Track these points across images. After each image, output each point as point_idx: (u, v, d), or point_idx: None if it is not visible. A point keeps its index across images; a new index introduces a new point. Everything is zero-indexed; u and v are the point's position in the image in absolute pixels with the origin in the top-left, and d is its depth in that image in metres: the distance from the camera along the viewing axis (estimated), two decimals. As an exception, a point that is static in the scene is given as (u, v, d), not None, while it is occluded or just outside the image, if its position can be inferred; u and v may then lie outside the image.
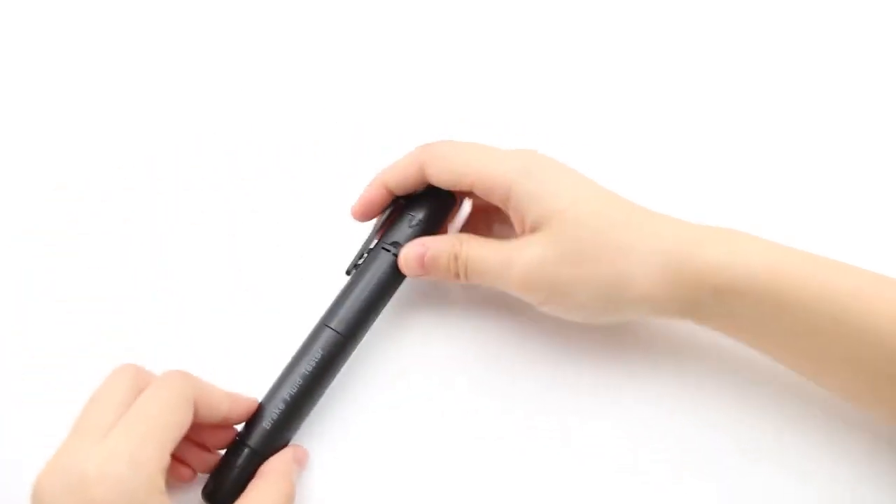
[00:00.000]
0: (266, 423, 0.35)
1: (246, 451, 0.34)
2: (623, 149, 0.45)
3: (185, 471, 0.35)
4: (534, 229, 0.35)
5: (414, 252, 0.36)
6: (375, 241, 0.38)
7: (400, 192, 0.37)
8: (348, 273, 0.38)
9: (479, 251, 0.36)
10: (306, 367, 0.36)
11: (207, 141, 0.45)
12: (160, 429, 0.30)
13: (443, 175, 0.36)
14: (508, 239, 0.36)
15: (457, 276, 0.37)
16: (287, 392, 0.35)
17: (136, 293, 0.41)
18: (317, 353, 0.36)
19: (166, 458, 0.30)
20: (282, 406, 0.35)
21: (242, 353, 0.40)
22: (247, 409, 0.35)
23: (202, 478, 0.36)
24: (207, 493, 0.35)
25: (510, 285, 0.35)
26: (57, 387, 0.39)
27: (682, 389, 0.38)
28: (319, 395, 0.36)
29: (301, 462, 0.36)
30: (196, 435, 0.34)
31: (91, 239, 0.43)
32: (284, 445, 0.36)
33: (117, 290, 0.42)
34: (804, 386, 0.36)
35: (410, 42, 0.48)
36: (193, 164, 0.45)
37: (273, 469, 0.34)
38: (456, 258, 0.36)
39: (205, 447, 0.35)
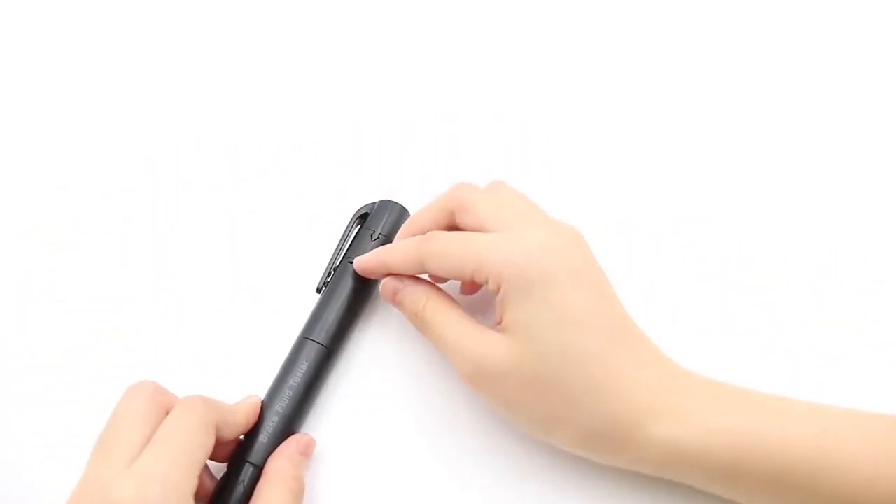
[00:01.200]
0: (263, 437, 0.35)
1: (248, 467, 0.35)
2: (618, 149, 0.45)
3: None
4: (504, 329, 0.33)
5: (390, 286, 0.37)
6: (340, 258, 0.40)
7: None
8: (318, 291, 0.39)
9: (442, 316, 0.35)
10: (294, 379, 0.37)
11: (207, 141, 0.45)
12: (189, 452, 0.30)
13: (443, 272, 0.35)
14: (476, 317, 0.35)
15: (416, 318, 0.36)
16: (279, 405, 0.36)
17: (136, 293, 0.41)
18: (302, 364, 0.37)
19: (195, 481, 0.30)
20: (276, 419, 0.36)
21: (242, 353, 0.40)
22: (256, 418, 0.36)
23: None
24: None
25: (456, 368, 0.35)
26: (57, 387, 0.39)
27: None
28: (310, 404, 0.37)
29: (306, 451, 0.36)
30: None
31: (91, 239, 0.43)
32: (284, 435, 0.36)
33: (117, 290, 0.42)
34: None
35: (410, 42, 0.48)
36: (193, 164, 0.45)
37: (276, 468, 0.34)
38: (416, 316, 0.36)
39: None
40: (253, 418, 0.36)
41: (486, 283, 0.34)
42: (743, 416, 0.31)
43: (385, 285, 0.37)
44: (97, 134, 0.46)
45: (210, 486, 0.35)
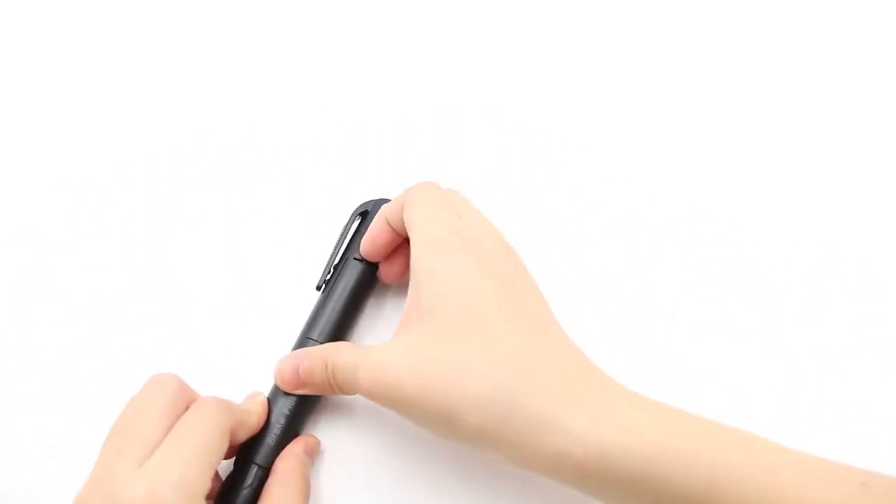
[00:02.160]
0: (270, 439, 0.36)
1: (255, 469, 0.35)
2: (618, 149, 0.45)
3: None
4: (414, 319, 0.32)
5: (288, 366, 0.35)
6: (340, 254, 0.39)
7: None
8: (319, 289, 0.39)
9: (344, 356, 0.33)
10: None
11: (207, 141, 0.45)
12: (204, 453, 0.30)
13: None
14: None
15: (331, 387, 0.34)
16: (285, 407, 0.36)
17: (136, 293, 0.41)
18: None
19: (209, 484, 0.30)
20: (283, 421, 0.36)
21: (242, 353, 0.40)
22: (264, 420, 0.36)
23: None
24: None
25: (356, 379, 0.32)
26: (57, 387, 0.39)
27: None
28: (314, 405, 0.37)
29: (312, 452, 0.36)
30: None
31: (91, 239, 0.43)
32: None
33: (117, 290, 0.42)
34: None
35: (410, 42, 0.48)
36: (193, 164, 0.45)
37: (285, 468, 0.34)
38: (325, 368, 0.34)
39: None
40: (263, 418, 0.35)
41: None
42: (665, 419, 0.28)
43: (282, 368, 0.35)
44: (97, 134, 0.46)
45: (215, 486, 0.35)
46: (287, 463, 0.34)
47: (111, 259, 0.42)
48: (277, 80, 0.47)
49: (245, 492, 0.34)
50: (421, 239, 0.33)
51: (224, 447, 0.31)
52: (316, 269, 0.40)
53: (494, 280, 0.32)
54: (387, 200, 0.40)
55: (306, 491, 0.34)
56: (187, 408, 0.32)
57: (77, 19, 0.49)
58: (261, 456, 0.35)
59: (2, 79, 0.48)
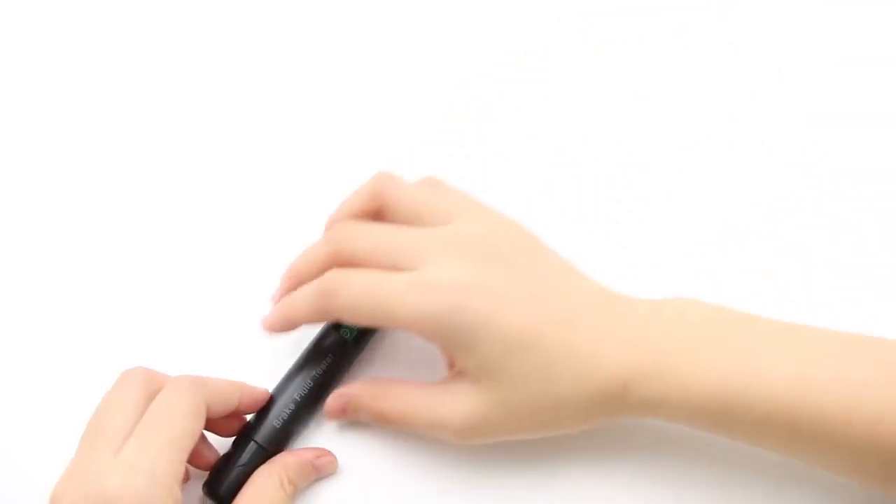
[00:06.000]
0: (276, 421, 0.35)
1: (253, 446, 0.35)
2: (618, 149, 0.45)
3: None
4: (463, 377, 0.32)
5: (336, 407, 0.36)
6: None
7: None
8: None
9: (401, 404, 0.34)
10: (317, 370, 0.36)
11: (207, 141, 0.45)
12: (176, 439, 0.30)
13: (353, 324, 0.35)
14: (431, 383, 0.34)
15: (382, 418, 0.35)
16: (297, 393, 0.36)
17: (136, 293, 0.41)
18: (328, 357, 0.36)
19: (182, 468, 0.30)
20: (292, 406, 0.35)
21: (243, 354, 0.40)
22: (257, 399, 0.35)
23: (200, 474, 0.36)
24: (209, 486, 0.34)
25: (444, 436, 0.34)
26: (57, 387, 0.39)
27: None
28: (327, 396, 0.36)
29: (322, 469, 0.35)
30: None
31: (91, 239, 0.43)
32: (290, 444, 0.36)
33: (117, 290, 0.42)
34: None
35: (410, 42, 0.48)
36: (193, 164, 0.45)
37: (283, 464, 0.34)
38: (378, 418, 0.35)
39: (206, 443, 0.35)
40: (247, 398, 0.35)
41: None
42: (725, 364, 0.31)
43: (330, 409, 0.36)
44: (97, 134, 0.46)
45: (210, 457, 0.35)
46: (287, 460, 0.34)
47: (111, 259, 0.42)
48: (277, 81, 0.47)
49: (238, 470, 0.34)
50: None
51: (198, 426, 0.31)
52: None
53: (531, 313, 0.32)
54: None
55: (291, 494, 0.33)
56: (158, 394, 0.32)
57: (77, 19, 0.49)
58: (262, 435, 0.35)
59: (2, 79, 0.48)
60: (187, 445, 0.30)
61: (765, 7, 0.49)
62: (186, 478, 0.34)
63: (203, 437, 0.34)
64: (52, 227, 0.43)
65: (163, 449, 0.29)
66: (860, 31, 0.48)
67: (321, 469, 0.35)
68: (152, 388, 0.32)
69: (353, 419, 0.36)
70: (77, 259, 0.42)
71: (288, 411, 0.35)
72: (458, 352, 0.32)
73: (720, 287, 0.40)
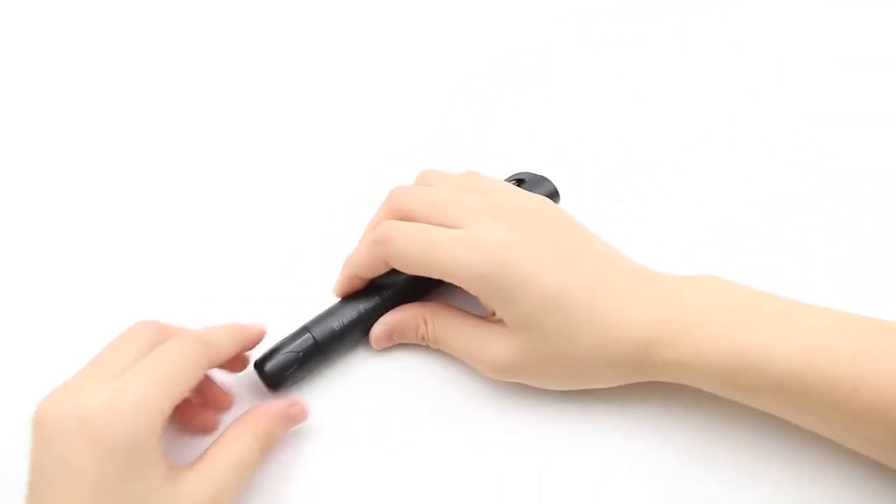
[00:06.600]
0: (335, 323, 0.36)
1: (308, 338, 0.36)
2: (618, 150, 0.45)
3: (210, 418, 0.36)
4: (502, 324, 0.35)
5: (380, 332, 0.37)
6: None
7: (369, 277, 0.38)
8: None
9: (445, 329, 0.37)
10: (389, 292, 0.38)
11: (207, 141, 0.45)
12: (170, 382, 0.31)
13: (409, 272, 0.36)
14: (477, 317, 0.37)
15: (424, 340, 0.38)
16: (364, 305, 0.37)
17: (136, 293, 0.41)
18: (397, 285, 0.38)
19: (168, 410, 0.30)
20: (355, 315, 0.37)
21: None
22: (253, 338, 0.36)
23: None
24: (259, 363, 0.36)
25: (478, 369, 0.37)
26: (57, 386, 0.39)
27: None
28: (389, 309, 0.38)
29: (293, 419, 0.36)
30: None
31: (91, 239, 0.43)
32: (338, 350, 0.37)
33: (117, 290, 0.42)
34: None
35: (411, 42, 0.48)
36: (193, 164, 0.45)
37: (256, 415, 0.34)
38: (423, 339, 0.38)
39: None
40: (246, 342, 0.35)
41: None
42: (741, 334, 0.32)
43: (376, 337, 0.38)
44: (97, 134, 0.46)
45: (226, 399, 0.36)
46: (260, 410, 0.34)
47: (111, 259, 0.42)
48: (277, 81, 0.47)
49: (288, 353, 0.35)
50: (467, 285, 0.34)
51: (193, 379, 0.32)
52: (315, 269, 0.40)
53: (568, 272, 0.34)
54: (544, 178, 0.40)
55: (265, 444, 0.34)
56: None
57: (77, 19, 0.49)
58: (318, 330, 0.36)
59: (2, 79, 0.48)
60: (179, 392, 0.31)
61: (765, 7, 0.49)
62: (214, 425, 0.36)
63: (212, 381, 0.36)
64: (52, 226, 0.43)
65: (155, 385, 0.30)
66: (860, 31, 0.48)
67: (293, 418, 0.36)
68: (161, 338, 0.32)
69: (398, 342, 0.38)
70: (74, 260, 0.42)
71: (349, 318, 0.36)
72: (497, 304, 0.34)
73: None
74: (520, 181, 0.41)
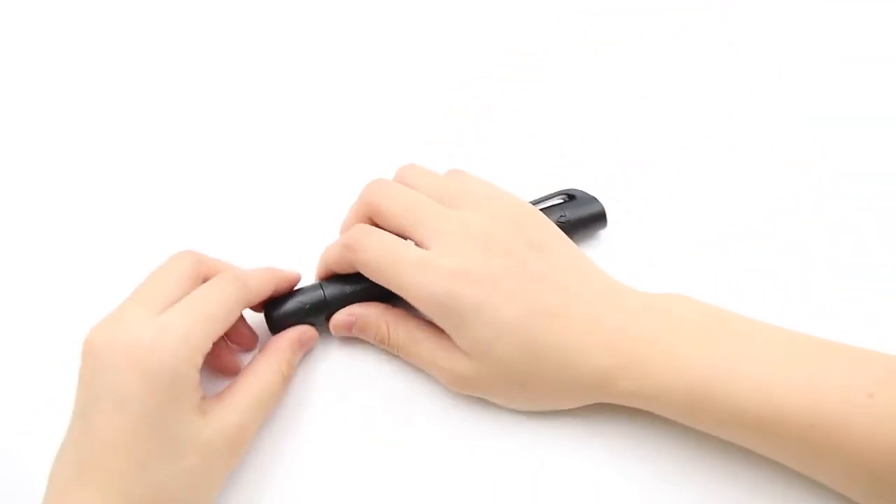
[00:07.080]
0: (348, 287, 0.37)
1: (319, 293, 0.37)
2: (618, 149, 0.45)
3: (233, 361, 0.37)
4: (460, 349, 0.35)
5: (342, 321, 0.37)
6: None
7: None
8: None
9: (407, 337, 0.37)
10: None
11: (207, 139, 0.45)
12: (212, 320, 0.32)
13: (374, 279, 0.36)
14: (437, 329, 0.36)
15: (382, 343, 0.38)
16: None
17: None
18: None
19: (208, 346, 0.32)
20: (366, 284, 0.37)
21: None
22: (290, 282, 0.37)
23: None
24: (267, 306, 0.37)
25: (442, 382, 0.37)
26: (57, 387, 0.39)
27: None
28: (394, 300, 0.38)
29: (307, 344, 0.37)
30: None
31: (91, 239, 0.43)
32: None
33: (117, 290, 0.41)
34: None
35: (411, 42, 0.48)
36: (193, 162, 0.45)
37: (276, 348, 0.36)
38: (383, 342, 0.37)
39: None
40: (280, 279, 0.37)
41: None
42: (699, 365, 0.32)
43: (336, 322, 0.38)
44: (97, 134, 0.46)
45: (252, 338, 0.38)
46: (278, 343, 0.36)
47: (111, 259, 0.42)
48: (277, 81, 0.47)
49: (296, 301, 0.37)
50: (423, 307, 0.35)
51: (232, 318, 0.34)
52: (314, 270, 0.40)
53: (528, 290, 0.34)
54: (594, 199, 0.40)
55: (288, 375, 0.36)
56: (205, 279, 0.34)
57: (77, 19, 0.49)
58: (330, 289, 0.37)
59: (2, 79, 0.48)
60: (219, 329, 0.33)
61: (765, 7, 0.49)
62: (244, 345, 0.38)
63: (244, 320, 0.37)
64: (52, 226, 0.43)
65: (198, 323, 0.32)
66: (860, 31, 0.48)
67: (306, 344, 0.37)
68: (200, 269, 0.34)
69: (355, 336, 0.38)
70: (74, 260, 0.42)
71: (361, 287, 0.37)
72: (449, 329, 0.35)
73: (720, 287, 0.40)
74: (571, 197, 0.41)
